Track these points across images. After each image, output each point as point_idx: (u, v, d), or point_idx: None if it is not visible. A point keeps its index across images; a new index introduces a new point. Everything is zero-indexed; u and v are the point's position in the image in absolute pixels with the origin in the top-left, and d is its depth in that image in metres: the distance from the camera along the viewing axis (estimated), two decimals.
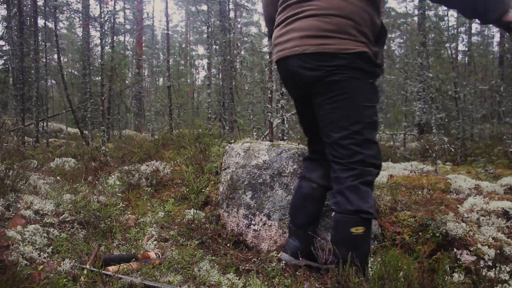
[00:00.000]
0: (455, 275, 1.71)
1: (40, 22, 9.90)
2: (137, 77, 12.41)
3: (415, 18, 10.32)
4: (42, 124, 8.27)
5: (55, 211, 2.09)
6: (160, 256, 1.83)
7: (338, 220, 1.52)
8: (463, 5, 1.45)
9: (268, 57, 4.15)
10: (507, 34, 1.48)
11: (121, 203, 2.50)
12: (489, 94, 8.54)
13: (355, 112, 1.50)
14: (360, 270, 1.41)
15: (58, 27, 10.73)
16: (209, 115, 6.12)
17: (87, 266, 1.50)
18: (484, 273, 1.69)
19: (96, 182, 2.95)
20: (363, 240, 1.51)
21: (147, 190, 2.75)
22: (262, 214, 2.14)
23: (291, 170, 2.19)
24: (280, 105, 3.85)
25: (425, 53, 5.81)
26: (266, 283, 1.67)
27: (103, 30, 6.65)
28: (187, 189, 2.64)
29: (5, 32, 8.18)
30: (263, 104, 6.36)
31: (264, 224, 2.15)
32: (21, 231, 1.74)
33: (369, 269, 1.53)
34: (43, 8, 9.48)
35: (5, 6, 8.01)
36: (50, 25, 10.86)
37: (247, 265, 1.85)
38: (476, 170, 3.92)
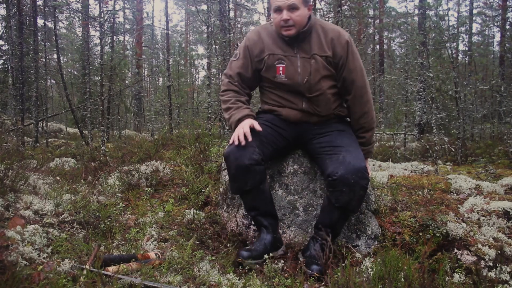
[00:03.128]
0: (456, 275, 1.70)
1: (40, 21, 9.89)
2: (137, 77, 12.38)
3: (416, 18, 10.31)
4: (41, 124, 8.27)
5: (55, 211, 2.08)
6: (160, 256, 1.83)
7: None
8: None
9: None
10: None
11: (120, 203, 2.49)
12: (490, 94, 8.53)
13: None
14: None
15: (58, 27, 10.72)
16: (209, 115, 6.11)
17: (87, 267, 1.50)
18: (484, 274, 1.69)
19: (96, 182, 2.95)
20: None
21: (146, 190, 2.74)
22: None
23: (291, 170, 2.19)
24: None
25: (426, 52, 5.80)
26: (266, 283, 1.67)
27: (103, 30, 6.65)
28: (187, 189, 2.63)
29: (4, 31, 8.17)
30: None
31: None
32: (20, 231, 1.74)
33: (370, 269, 1.53)
34: (42, 7, 9.46)
35: (4, 5, 8.00)
36: (50, 24, 10.85)
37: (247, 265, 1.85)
38: (477, 170, 3.91)
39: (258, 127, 1.93)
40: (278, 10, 1.89)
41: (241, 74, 2.07)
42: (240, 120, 1.97)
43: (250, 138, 1.87)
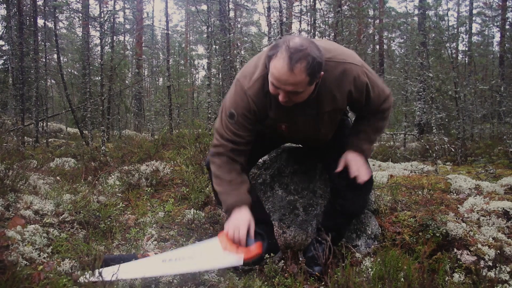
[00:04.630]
0: (456, 275, 1.71)
1: (40, 22, 9.89)
2: (137, 77, 12.39)
3: (415, 18, 10.32)
4: (41, 124, 8.26)
5: (55, 211, 2.08)
6: None
7: None
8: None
9: None
10: None
11: (121, 203, 2.50)
12: (490, 94, 8.54)
13: None
14: None
15: (58, 27, 10.73)
16: (209, 115, 6.11)
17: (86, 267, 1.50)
18: (484, 273, 1.69)
19: (96, 182, 2.95)
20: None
21: (147, 190, 2.74)
22: None
23: (291, 170, 2.19)
24: None
25: (425, 53, 5.80)
26: (266, 283, 1.67)
27: (103, 30, 6.64)
28: (187, 189, 2.64)
29: (4, 32, 8.17)
30: None
31: None
32: (20, 231, 1.74)
33: (370, 269, 1.53)
34: (42, 7, 9.47)
35: (4, 6, 8.00)
36: (50, 25, 10.84)
37: (247, 265, 1.85)
38: (477, 170, 3.92)
39: (252, 232, 1.65)
40: (277, 87, 1.46)
41: (237, 137, 1.67)
42: (232, 207, 1.67)
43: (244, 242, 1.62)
